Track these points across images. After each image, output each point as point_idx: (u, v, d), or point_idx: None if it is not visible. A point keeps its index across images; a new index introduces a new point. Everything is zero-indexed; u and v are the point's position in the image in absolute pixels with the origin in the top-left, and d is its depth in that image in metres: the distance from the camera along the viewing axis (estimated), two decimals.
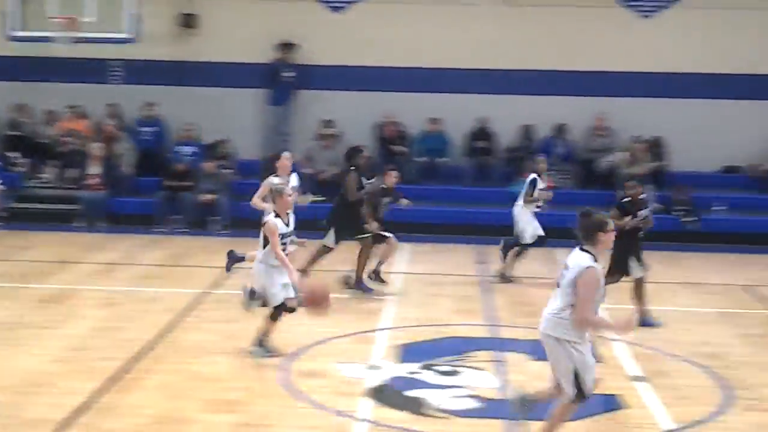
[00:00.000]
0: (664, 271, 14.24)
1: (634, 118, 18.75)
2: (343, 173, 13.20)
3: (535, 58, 19.00)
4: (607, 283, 7.09)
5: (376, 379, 8.84)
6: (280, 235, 9.27)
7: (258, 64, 19.08)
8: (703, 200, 17.56)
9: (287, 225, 9.46)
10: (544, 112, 18.87)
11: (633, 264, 11.11)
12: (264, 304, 9.48)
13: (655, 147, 18.55)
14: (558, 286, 6.79)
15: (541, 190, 13.64)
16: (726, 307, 11.58)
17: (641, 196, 11.45)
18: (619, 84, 18.96)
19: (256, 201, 12.12)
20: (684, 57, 18.95)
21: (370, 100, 19.04)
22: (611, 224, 6.79)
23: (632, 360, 9.73)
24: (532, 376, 9.01)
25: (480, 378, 8.97)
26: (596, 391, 8.55)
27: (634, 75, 19.00)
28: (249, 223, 17.61)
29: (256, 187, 18.30)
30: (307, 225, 11.10)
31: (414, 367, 9.20)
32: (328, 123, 18.92)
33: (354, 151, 12.72)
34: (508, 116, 18.85)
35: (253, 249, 15.79)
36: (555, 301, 6.79)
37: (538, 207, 13.72)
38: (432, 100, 19.05)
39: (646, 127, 18.63)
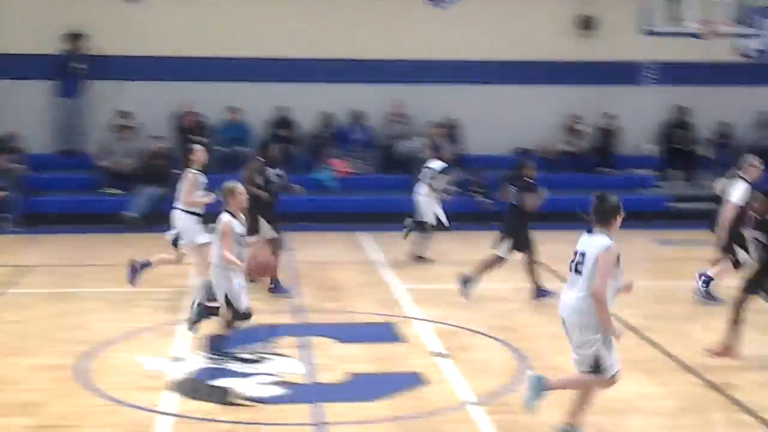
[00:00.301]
0: (460, 249, 14.74)
1: (430, 104, 19.27)
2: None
3: (332, 47, 19.16)
4: None
5: (180, 372, 8.70)
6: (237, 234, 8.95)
7: (46, 55, 18.35)
8: (497, 182, 18.14)
9: (242, 224, 9.11)
10: (342, 100, 19.10)
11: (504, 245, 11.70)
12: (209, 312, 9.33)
13: (452, 131, 19.13)
14: (577, 272, 6.75)
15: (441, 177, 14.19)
16: (519, 282, 12.01)
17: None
18: (415, 71, 19.39)
19: (202, 199, 11.35)
20: (477, 45, 19.58)
21: (167, 90, 18.65)
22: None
23: (434, 337, 10.01)
24: (338, 360, 9.12)
25: (286, 364, 8.97)
26: (399, 369, 8.81)
27: (430, 62, 19.48)
28: (42, 219, 17.07)
29: (49, 181, 17.90)
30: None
31: (219, 356, 9.09)
32: (125, 114, 18.41)
33: (267, 143, 12.47)
34: (308, 104, 18.95)
35: (53, 246, 15.39)
36: (576, 288, 6.77)
37: (446, 195, 14.31)
38: (231, 89, 18.88)
39: (442, 112, 19.15)
